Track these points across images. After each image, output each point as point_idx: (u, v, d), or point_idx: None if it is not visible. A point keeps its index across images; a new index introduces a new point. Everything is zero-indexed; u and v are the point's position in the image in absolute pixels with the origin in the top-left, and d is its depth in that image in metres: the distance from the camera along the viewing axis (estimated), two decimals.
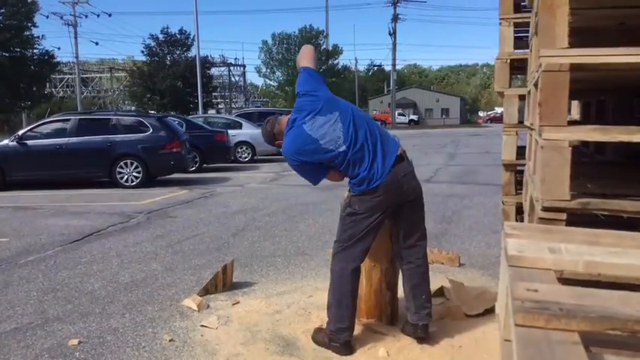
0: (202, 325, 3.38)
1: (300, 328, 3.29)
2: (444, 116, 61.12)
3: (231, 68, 56.04)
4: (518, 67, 4.06)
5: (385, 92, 64.48)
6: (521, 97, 3.76)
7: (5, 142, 10.65)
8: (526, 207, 2.93)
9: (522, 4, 3.78)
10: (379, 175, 2.76)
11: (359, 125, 2.81)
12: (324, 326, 3.04)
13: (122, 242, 5.82)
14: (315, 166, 2.92)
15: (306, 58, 3.01)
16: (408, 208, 2.92)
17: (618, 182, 2.69)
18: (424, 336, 2.98)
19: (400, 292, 3.42)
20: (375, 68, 72.89)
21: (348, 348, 2.92)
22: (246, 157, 15.68)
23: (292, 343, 3.10)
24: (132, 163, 10.38)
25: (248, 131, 15.44)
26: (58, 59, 31.98)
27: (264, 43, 49.40)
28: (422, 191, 2.97)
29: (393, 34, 47.19)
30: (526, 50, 3.55)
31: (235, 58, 62.44)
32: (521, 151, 3.86)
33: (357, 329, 3.16)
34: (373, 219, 2.83)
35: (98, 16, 41.55)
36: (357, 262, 2.93)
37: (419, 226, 3.02)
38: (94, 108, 43.09)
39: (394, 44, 47.31)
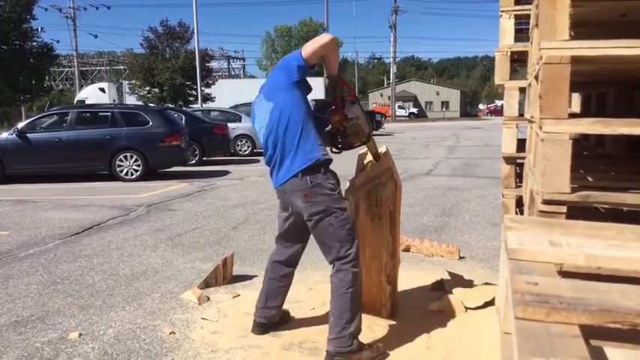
0: (202, 318, 3.39)
1: (300, 320, 3.30)
2: (444, 109, 60.99)
3: (231, 61, 55.93)
4: (518, 60, 4.04)
5: (385, 85, 64.30)
6: (522, 90, 3.75)
7: (5, 135, 10.62)
8: (526, 200, 2.93)
9: None
10: (274, 183, 2.83)
11: (270, 130, 2.72)
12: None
13: (122, 235, 5.82)
14: None
15: (317, 51, 2.66)
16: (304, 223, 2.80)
17: (618, 175, 2.68)
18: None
19: (401, 287, 3.43)
20: (376, 61, 72.79)
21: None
22: (245, 151, 15.64)
23: (293, 335, 3.11)
24: (131, 156, 10.37)
25: (247, 124, 15.38)
26: (58, 52, 31.81)
27: (267, 34, 49.12)
28: (315, 218, 2.68)
29: (393, 27, 47.00)
30: (527, 43, 3.53)
31: (235, 51, 62.32)
32: (521, 144, 3.85)
33: None
34: (279, 214, 2.99)
35: (97, 8, 41.05)
36: (274, 256, 3.10)
37: (303, 245, 3.02)
38: None
39: (394, 38, 47.13)
